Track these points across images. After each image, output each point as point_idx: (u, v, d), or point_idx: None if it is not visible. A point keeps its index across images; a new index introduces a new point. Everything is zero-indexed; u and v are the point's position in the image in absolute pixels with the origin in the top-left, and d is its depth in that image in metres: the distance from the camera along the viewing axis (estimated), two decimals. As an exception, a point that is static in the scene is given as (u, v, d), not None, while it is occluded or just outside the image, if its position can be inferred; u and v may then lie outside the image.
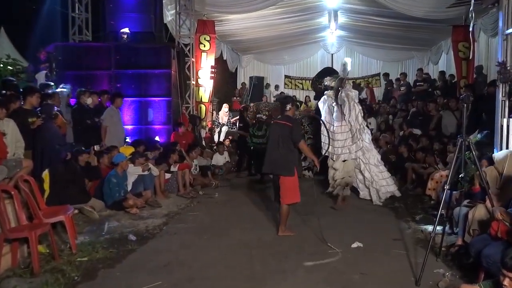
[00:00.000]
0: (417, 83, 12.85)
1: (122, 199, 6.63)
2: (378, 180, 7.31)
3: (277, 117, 5.94)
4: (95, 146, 7.57)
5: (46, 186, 5.82)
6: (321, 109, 7.62)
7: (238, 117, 12.29)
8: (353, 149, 7.17)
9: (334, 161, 7.25)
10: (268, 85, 17.92)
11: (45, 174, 5.88)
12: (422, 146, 8.67)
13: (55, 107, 7.20)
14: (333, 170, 7.27)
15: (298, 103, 11.39)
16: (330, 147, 7.04)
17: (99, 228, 5.83)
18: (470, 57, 9.78)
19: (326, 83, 7.77)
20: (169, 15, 11.85)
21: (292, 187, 5.51)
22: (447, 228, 5.14)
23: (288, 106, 5.70)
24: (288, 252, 5.00)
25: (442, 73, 12.94)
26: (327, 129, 7.17)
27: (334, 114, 7.28)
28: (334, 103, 7.29)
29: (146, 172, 7.23)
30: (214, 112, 13.83)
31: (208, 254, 4.94)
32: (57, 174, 5.99)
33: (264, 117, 10.52)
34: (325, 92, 7.52)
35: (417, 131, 9.91)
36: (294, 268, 4.52)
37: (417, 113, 10.79)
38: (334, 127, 7.24)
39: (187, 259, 4.79)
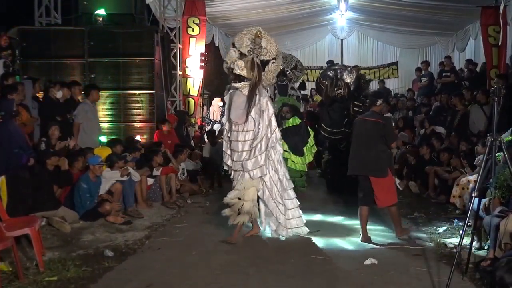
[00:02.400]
0: (443, 74, 12.89)
1: (96, 205, 6.65)
2: (278, 215, 6.10)
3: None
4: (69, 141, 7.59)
5: (3, 194, 5.80)
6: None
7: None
8: (249, 166, 5.89)
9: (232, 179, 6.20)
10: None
11: (1, 181, 5.85)
12: (447, 147, 8.70)
13: (19, 101, 7.19)
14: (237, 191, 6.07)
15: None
16: (228, 158, 6.13)
17: (70, 242, 5.83)
18: (500, 43, 9.82)
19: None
20: (152, -6, 11.87)
21: (388, 187, 5.98)
22: (474, 242, 5.16)
23: (379, 102, 6.21)
24: (291, 270, 5.01)
25: (469, 61, 13.00)
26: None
27: (236, 112, 5.99)
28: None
29: (125, 178, 7.23)
30: (205, 107, 13.85)
31: (197, 273, 4.94)
32: (16, 181, 5.96)
33: None
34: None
35: (441, 129, 9.95)
36: (298, 288, 4.54)
37: (441, 109, 10.83)
38: (233, 131, 6.05)
39: (173, 279, 4.79)
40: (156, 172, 8.14)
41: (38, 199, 6.07)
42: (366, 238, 5.92)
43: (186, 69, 12.10)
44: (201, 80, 12.30)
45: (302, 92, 13.02)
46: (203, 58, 11.99)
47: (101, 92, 9.33)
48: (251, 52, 5.92)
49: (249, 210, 5.89)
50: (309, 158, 8.38)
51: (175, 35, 11.84)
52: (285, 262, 5.27)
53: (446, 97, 10.83)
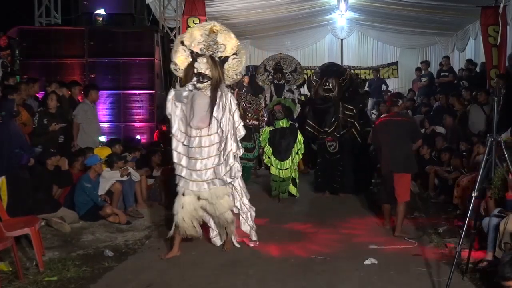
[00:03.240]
0: (442, 73, 12.89)
1: (97, 207, 6.65)
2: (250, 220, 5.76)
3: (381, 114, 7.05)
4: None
5: (4, 194, 5.81)
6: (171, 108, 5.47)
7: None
8: (222, 171, 5.31)
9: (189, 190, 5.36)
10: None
11: (2, 181, 5.86)
12: (447, 146, 8.69)
13: (22, 101, 7.20)
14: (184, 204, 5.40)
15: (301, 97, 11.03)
16: (184, 169, 5.32)
17: (70, 242, 5.83)
18: (499, 43, 9.82)
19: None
20: (151, -6, 11.88)
21: (408, 183, 6.35)
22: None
23: (400, 102, 6.56)
24: (292, 270, 5.02)
25: (469, 61, 13.00)
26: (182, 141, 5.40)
27: (199, 116, 5.31)
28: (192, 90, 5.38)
29: (125, 178, 7.23)
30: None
31: (197, 273, 4.95)
32: (16, 181, 5.97)
33: (255, 122, 8.50)
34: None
35: (441, 129, 9.94)
36: (298, 288, 4.54)
37: (441, 108, 10.82)
38: (194, 137, 5.31)
39: (173, 279, 4.79)
40: (157, 172, 8.15)
41: (38, 201, 6.07)
42: (399, 230, 6.15)
43: (186, 69, 12.07)
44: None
45: (303, 93, 12.88)
46: (203, 58, 11.99)
47: (101, 92, 9.33)
48: (204, 50, 5.37)
49: (232, 219, 5.51)
50: (296, 159, 8.15)
51: (175, 35, 11.83)
52: (285, 262, 5.27)
53: (444, 97, 10.84)
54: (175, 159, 5.34)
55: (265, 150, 8.21)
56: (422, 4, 12.62)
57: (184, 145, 5.33)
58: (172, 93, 5.45)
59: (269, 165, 8.23)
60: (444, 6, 12.33)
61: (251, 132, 8.26)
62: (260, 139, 8.42)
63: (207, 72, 5.30)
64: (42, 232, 5.72)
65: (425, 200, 8.00)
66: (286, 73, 10.12)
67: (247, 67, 17.39)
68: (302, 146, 8.19)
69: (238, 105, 7.95)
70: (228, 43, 5.43)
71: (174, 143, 5.35)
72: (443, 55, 14.96)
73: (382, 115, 8.07)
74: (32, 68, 10.14)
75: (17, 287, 4.48)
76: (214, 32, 5.38)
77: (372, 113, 13.27)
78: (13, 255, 4.72)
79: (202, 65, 5.29)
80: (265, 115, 8.93)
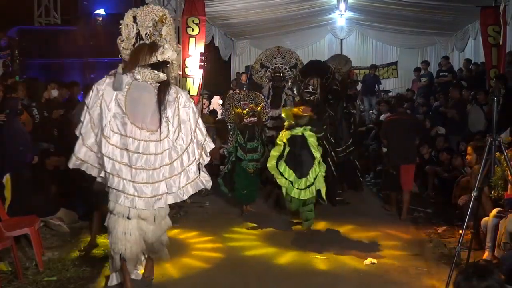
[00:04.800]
0: (441, 73, 12.89)
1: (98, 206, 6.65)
2: None
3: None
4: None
5: (8, 193, 5.82)
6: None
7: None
8: (181, 183, 4.30)
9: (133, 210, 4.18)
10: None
11: (7, 179, 5.87)
12: (447, 147, 8.69)
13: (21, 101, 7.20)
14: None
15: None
16: (124, 182, 4.12)
17: (70, 242, 5.83)
18: (501, 43, 9.81)
19: None
20: (151, -7, 11.86)
21: (413, 174, 7.24)
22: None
23: (406, 104, 7.84)
24: (290, 270, 5.02)
25: (468, 61, 13.00)
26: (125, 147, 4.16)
27: (144, 113, 4.28)
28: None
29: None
30: (206, 101, 13.83)
31: (197, 273, 4.95)
32: (20, 180, 5.98)
33: (254, 119, 7.09)
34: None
35: (442, 130, 9.94)
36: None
37: (440, 107, 10.82)
38: (139, 141, 4.19)
39: (173, 279, 4.80)
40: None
41: (38, 203, 6.06)
42: (405, 214, 6.95)
43: (185, 69, 12.05)
44: (201, 80, 12.29)
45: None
46: (203, 58, 11.99)
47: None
48: (148, 37, 4.49)
49: (167, 241, 4.56)
50: (317, 171, 6.23)
51: (174, 35, 11.83)
52: (285, 262, 5.27)
53: (442, 97, 10.86)
54: (108, 168, 4.07)
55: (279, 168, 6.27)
56: (422, 4, 12.61)
57: (123, 149, 4.11)
58: (108, 80, 4.35)
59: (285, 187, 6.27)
60: (444, 6, 12.32)
61: (254, 130, 7.17)
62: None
63: (174, 63, 4.52)
64: (42, 232, 5.72)
65: (425, 200, 7.99)
66: (286, 68, 9.33)
67: (247, 67, 17.41)
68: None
69: (231, 106, 7.36)
70: (170, 39, 4.52)
71: (107, 147, 4.09)
72: (442, 55, 14.98)
73: (389, 114, 8.43)
74: (31, 68, 10.15)
75: (16, 287, 4.48)
76: (163, 22, 4.52)
77: (372, 113, 13.29)
78: (13, 255, 4.73)
79: (168, 54, 4.35)
80: (267, 109, 7.67)
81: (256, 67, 9.86)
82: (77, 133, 4.20)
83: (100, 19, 10.47)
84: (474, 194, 4.31)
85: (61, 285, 4.58)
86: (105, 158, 4.08)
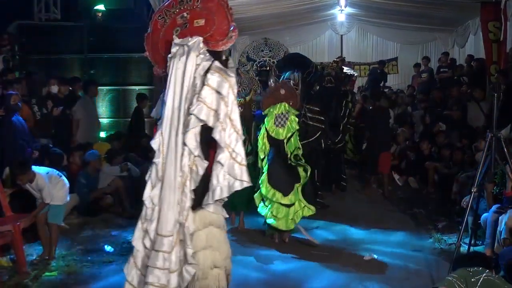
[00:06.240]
0: (441, 69, 12.87)
1: (97, 200, 6.69)
2: None
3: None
4: None
5: (8, 186, 5.80)
6: None
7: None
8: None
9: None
10: (269, 71, 17.90)
11: (7, 174, 5.87)
12: (448, 142, 8.68)
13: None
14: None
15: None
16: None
17: (70, 238, 5.84)
18: (501, 39, 9.80)
19: None
20: (151, -11, 11.82)
21: (390, 159, 8.53)
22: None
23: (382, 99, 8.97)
24: (291, 269, 5.03)
25: (470, 57, 12.98)
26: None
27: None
28: None
29: (125, 173, 7.23)
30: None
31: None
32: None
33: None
34: None
35: (442, 126, 9.94)
36: None
37: (440, 104, 10.81)
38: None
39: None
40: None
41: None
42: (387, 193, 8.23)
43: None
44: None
45: None
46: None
47: (100, 87, 9.34)
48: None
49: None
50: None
51: (174, 31, 11.80)
52: (286, 260, 5.27)
53: (441, 94, 10.88)
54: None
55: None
56: (422, 0, 12.60)
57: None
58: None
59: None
60: (444, 2, 12.30)
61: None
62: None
63: None
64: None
65: (424, 196, 8.00)
66: (274, 62, 8.28)
67: (246, 63, 17.39)
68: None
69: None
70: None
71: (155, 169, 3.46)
72: (443, 51, 14.95)
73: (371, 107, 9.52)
74: (31, 64, 10.11)
75: (16, 282, 4.49)
76: None
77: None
78: (13, 251, 4.73)
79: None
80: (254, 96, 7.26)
81: (242, 60, 8.97)
82: None
83: (100, 15, 10.43)
84: (473, 190, 4.32)
85: (61, 281, 4.59)
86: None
